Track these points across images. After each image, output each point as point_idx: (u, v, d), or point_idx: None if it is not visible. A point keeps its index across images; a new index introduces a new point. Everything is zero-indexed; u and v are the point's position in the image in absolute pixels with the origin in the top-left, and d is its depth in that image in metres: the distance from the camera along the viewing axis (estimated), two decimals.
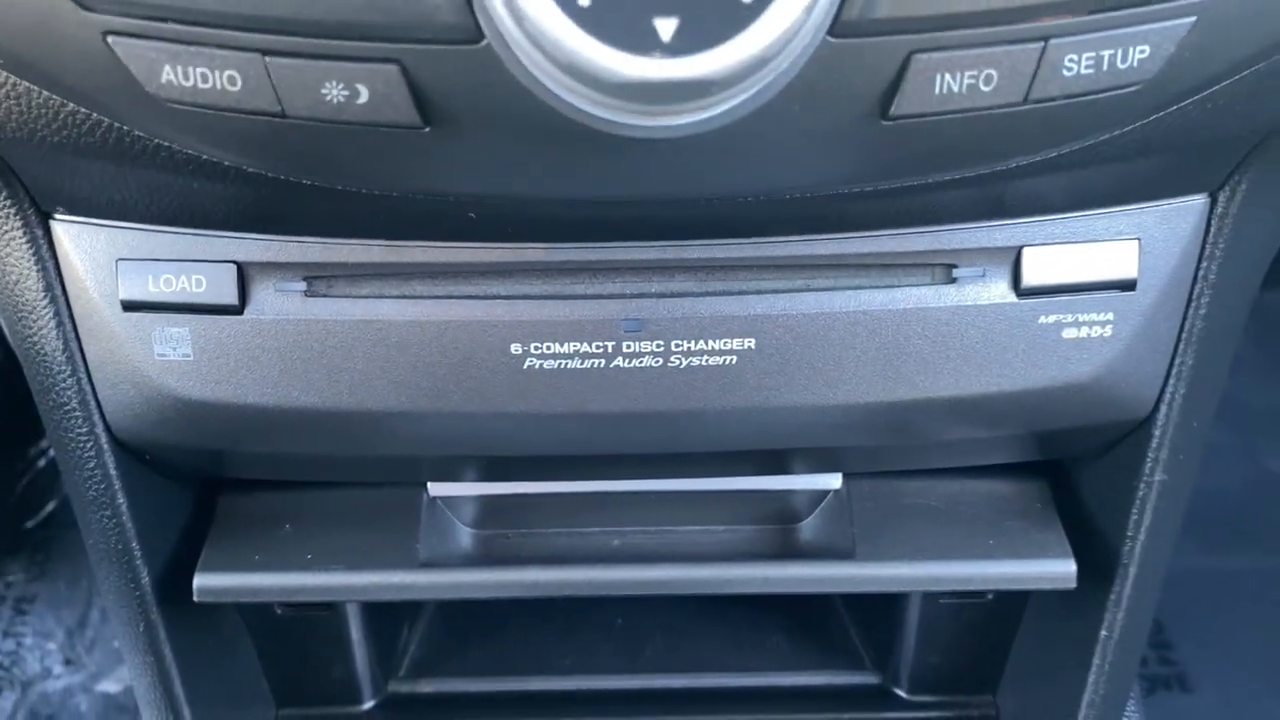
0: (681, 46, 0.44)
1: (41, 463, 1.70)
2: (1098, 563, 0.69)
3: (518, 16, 0.44)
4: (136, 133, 0.54)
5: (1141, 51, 0.49)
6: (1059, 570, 0.68)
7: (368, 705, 0.84)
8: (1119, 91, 0.51)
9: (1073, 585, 0.68)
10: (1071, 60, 0.49)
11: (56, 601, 1.57)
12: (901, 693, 0.84)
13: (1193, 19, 0.49)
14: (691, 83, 0.44)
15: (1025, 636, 0.78)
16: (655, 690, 0.87)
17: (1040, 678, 0.77)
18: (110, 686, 1.48)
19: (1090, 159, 0.56)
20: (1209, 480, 1.75)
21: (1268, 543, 1.68)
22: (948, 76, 0.48)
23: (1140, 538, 0.67)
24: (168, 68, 0.48)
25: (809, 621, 0.89)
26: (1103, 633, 0.69)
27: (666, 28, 0.43)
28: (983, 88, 0.49)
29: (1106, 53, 0.48)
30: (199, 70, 0.48)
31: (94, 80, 0.51)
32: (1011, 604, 0.76)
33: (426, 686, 0.86)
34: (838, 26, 0.46)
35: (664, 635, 0.89)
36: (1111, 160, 0.57)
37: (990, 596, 0.75)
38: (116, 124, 0.53)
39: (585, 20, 0.43)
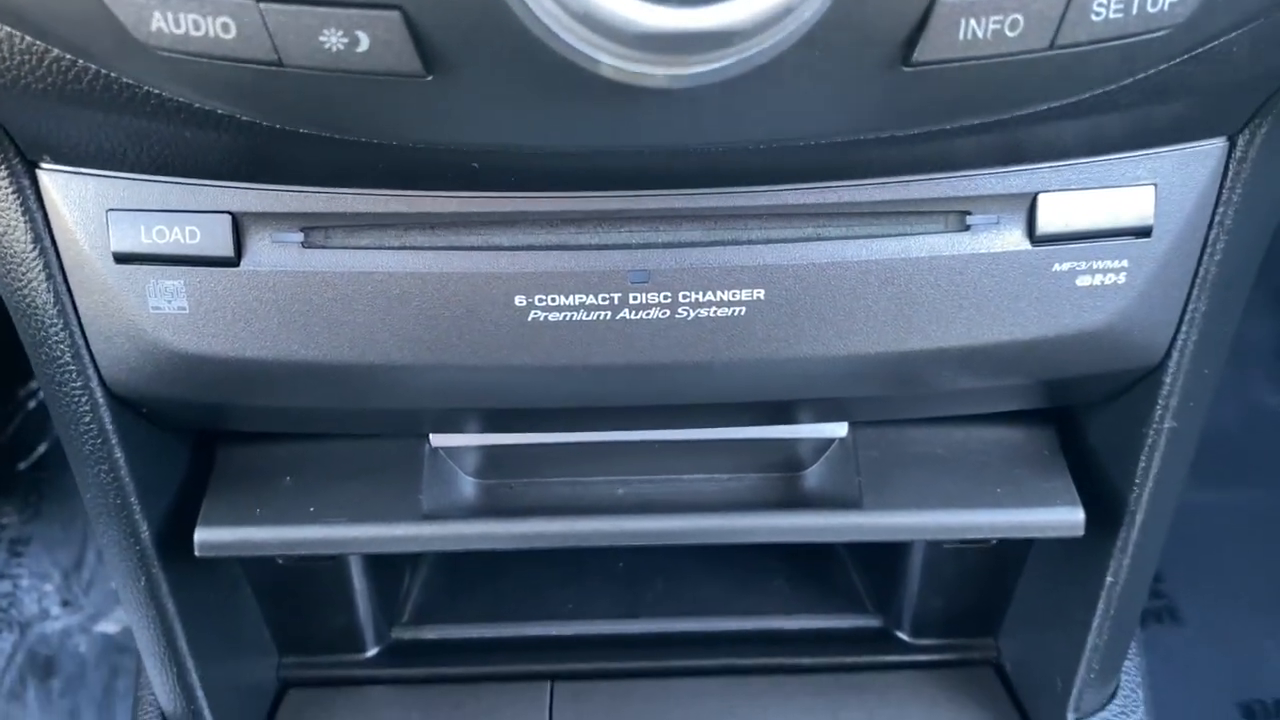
0: None
1: (32, 404, 1.69)
2: (1104, 510, 0.69)
3: None
4: (125, 80, 0.51)
5: None
6: (1066, 518, 0.68)
7: (371, 652, 0.84)
8: (1148, 36, 0.49)
9: (1080, 533, 0.68)
10: (1100, 4, 0.47)
11: (52, 543, 1.56)
12: (903, 635, 0.85)
13: None
14: (713, 33, 0.42)
15: (1028, 581, 0.78)
16: (657, 635, 0.87)
17: (1043, 622, 0.77)
18: (109, 627, 1.48)
19: (1112, 104, 0.55)
20: (1214, 414, 1.76)
21: (1258, 476, 1.70)
22: (972, 21, 0.46)
23: (1148, 484, 0.67)
24: (158, 14, 0.46)
25: (811, 565, 0.89)
26: (1108, 579, 0.69)
27: None
28: (1008, 33, 0.47)
29: None
30: (190, 17, 0.46)
31: (81, 27, 0.48)
32: (1015, 549, 0.76)
33: (430, 633, 0.86)
34: None
35: (666, 580, 0.89)
36: (1132, 105, 0.56)
37: (994, 541, 0.75)
38: (105, 71, 0.51)
39: None
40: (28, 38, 0.50)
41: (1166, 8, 0.48)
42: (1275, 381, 1.80)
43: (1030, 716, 0.77)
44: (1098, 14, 0.47)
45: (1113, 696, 0.73)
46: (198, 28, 0.46)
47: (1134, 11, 0.47)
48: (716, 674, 0.83)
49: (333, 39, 0.46)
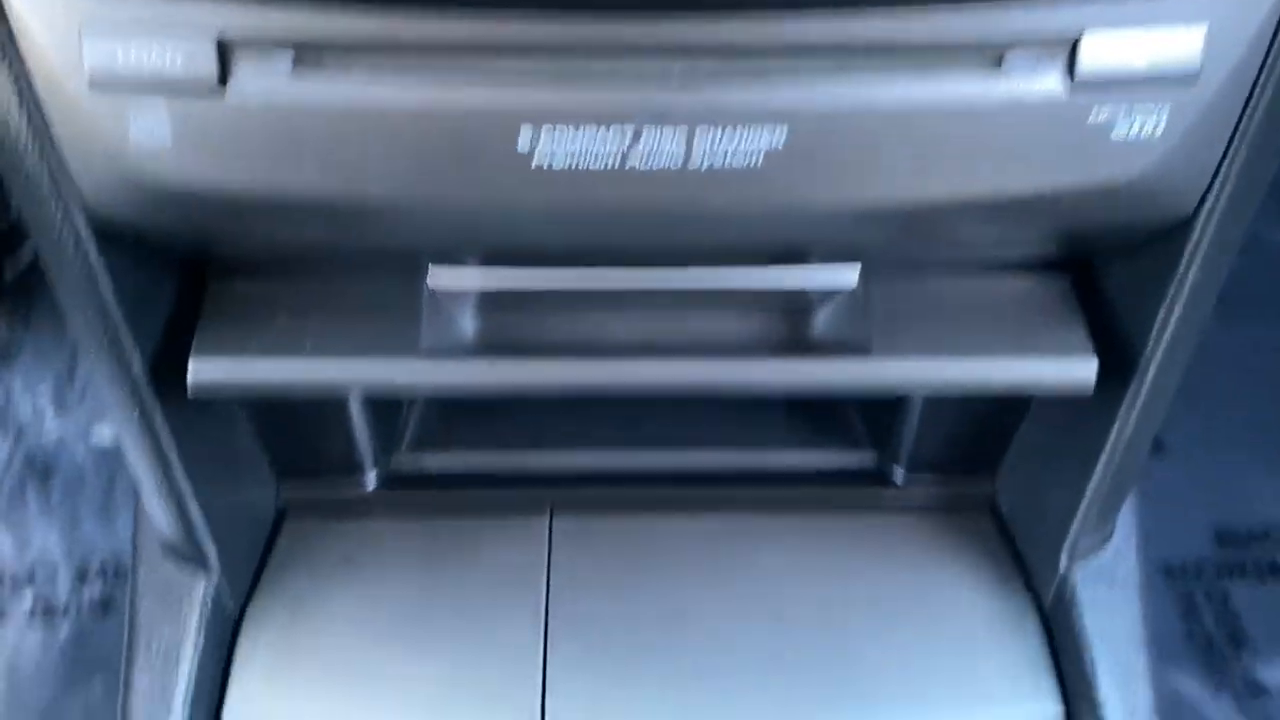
0: None
1: (14, 215, 1.65)
2: (1118, 361, 0.68)
3: None
4: None
5: None
6: (1080, 371, 0.67)
7: (370, 482, 0.84)
8: None
9: (1092, 385, 0.67)
10: None
11: (43, 351, 1.56)
12: (899, 473, 0.85)
13: None
14: None
15: (1031, 424, 0.78)
16: (654, 468, 0.88)
17: (1043, 467, 0.77)
18: (103, 436, 1.50)
19: None
20: None
21: (1249, 311, 1.70)
22: None
23: (1165, 338, 0.66)
24: None
25: (810, 402, 0.89)
26: (1114, 429, 0.69)
27: None
28: None
29: None
30: None
31: None
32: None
33: (429, 462, 0.87)
34: None
35: (666, 413, 0.89)
36: None
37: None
38: None
39: None
40: None
41: None
42: (1271, 215, 1.78)
43: (1024, 558, 0.78)
44: None
45: (1106, 542, 0.74)
46: None
47: None
48: (712, 507, 0.84)
49: None
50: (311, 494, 0.82)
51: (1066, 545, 0.71)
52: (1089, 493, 0.69)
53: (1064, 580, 0.71)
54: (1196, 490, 1.53)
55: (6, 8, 0.54)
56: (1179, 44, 0.55)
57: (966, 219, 0.58)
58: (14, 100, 0.56)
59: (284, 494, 0.84)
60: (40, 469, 1.46)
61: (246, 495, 0.79)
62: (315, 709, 0.69)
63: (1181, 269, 0.63)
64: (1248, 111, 0.58)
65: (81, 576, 1.37)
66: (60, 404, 1.52)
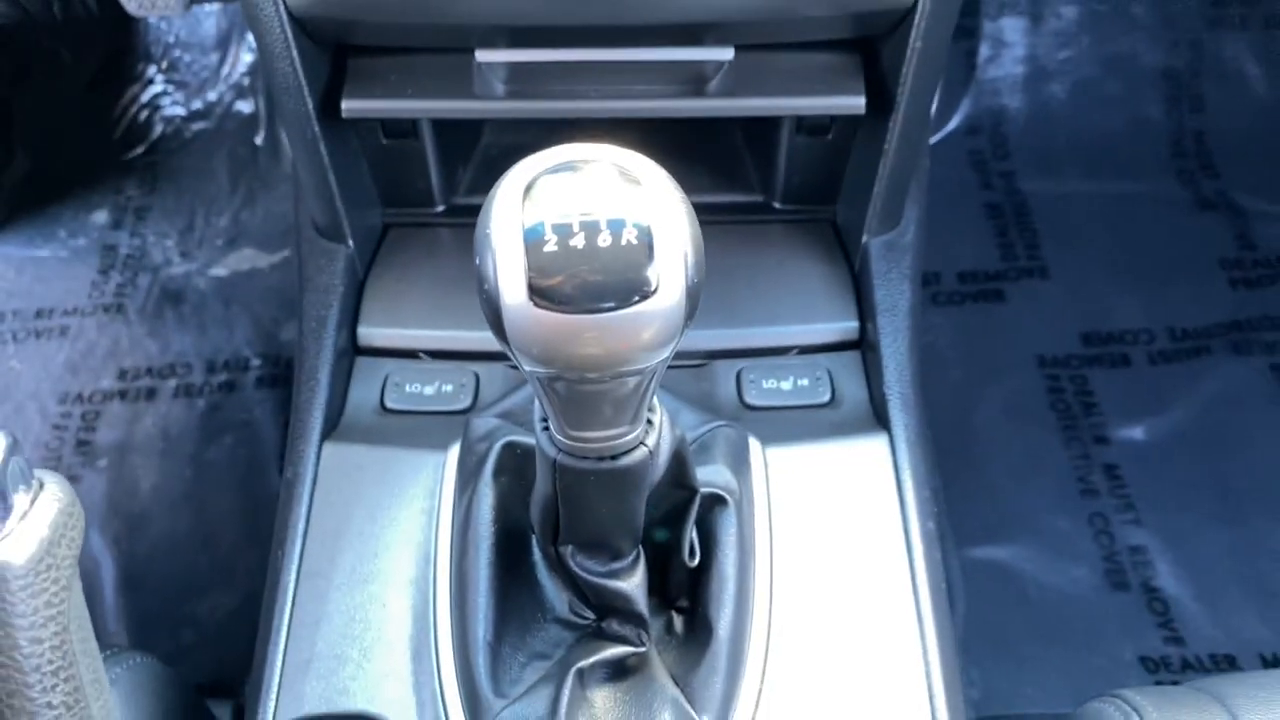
0: None
1: (133, 109, 2.06)
2: (882, 102, 1.02)
3: None
4: None
5: None
6: (854, 100, 1.02)
7: (439, 208, 1.20)
8: None
9: (862, 107, 1.02)
10: None
11: (167, 210, 1.96)
12: (776, 204, 1.21)
13: None
14: None
15: (851, 165, 1.13)
16: None
17: (854, 188, 1.12)
18: (220, 271, 1.90)
19: None
20: (1097, 122, 2.12)
21: (1121, 171, 2.04)
22: None
23: (909, 80, 0.98)
24: None
25: (718, 157, 1.23)
26: (885, 149, 1.02)
27: None
28: None
29: None
30: None
31: None
32: (846, 139, 1.12)
33: (477, 199, 1.22)
34: None
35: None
36: None
37: (831, 136, 1.14)
38: None
39: None
40: None
41: None
42: (1158, 93, 2.12)
43: (845, 244, 1.17)
44: None
45: (895, 227, 1.12)
46: None
47: None
48: None
49: None
50: (402, 216, 1.20)
51: (866, 227, 1.08)
52: (876, 190, 1.05)
53: (865, 248, 1.09)
54: (1069, 305, 1.86)
55: None
56: None
57: (771, 2, 0.94)
58: None
59: (386, 214, 1.19)
60: (173, 295, 1.87)
61: (363, 211, 1.15)
62: (415, 326, 1.10)
63: (911, 40, 0.96)
64: None
65: (210, 369, 1.78)
66: (183, 250, 1.92)
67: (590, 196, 0.58)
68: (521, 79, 1.02)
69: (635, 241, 0.57)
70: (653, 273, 0.57)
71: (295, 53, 0.95)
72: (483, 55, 1.00)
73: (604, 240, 0.57)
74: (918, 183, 1.12)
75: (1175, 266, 1.88)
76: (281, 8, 0.94)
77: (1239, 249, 1.92)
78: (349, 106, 1.02)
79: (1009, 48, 2.14)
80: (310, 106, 0.99)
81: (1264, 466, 1.67)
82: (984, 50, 2.12)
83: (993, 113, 2.10)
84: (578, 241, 0.57)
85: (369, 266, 1.14)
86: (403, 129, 1.13)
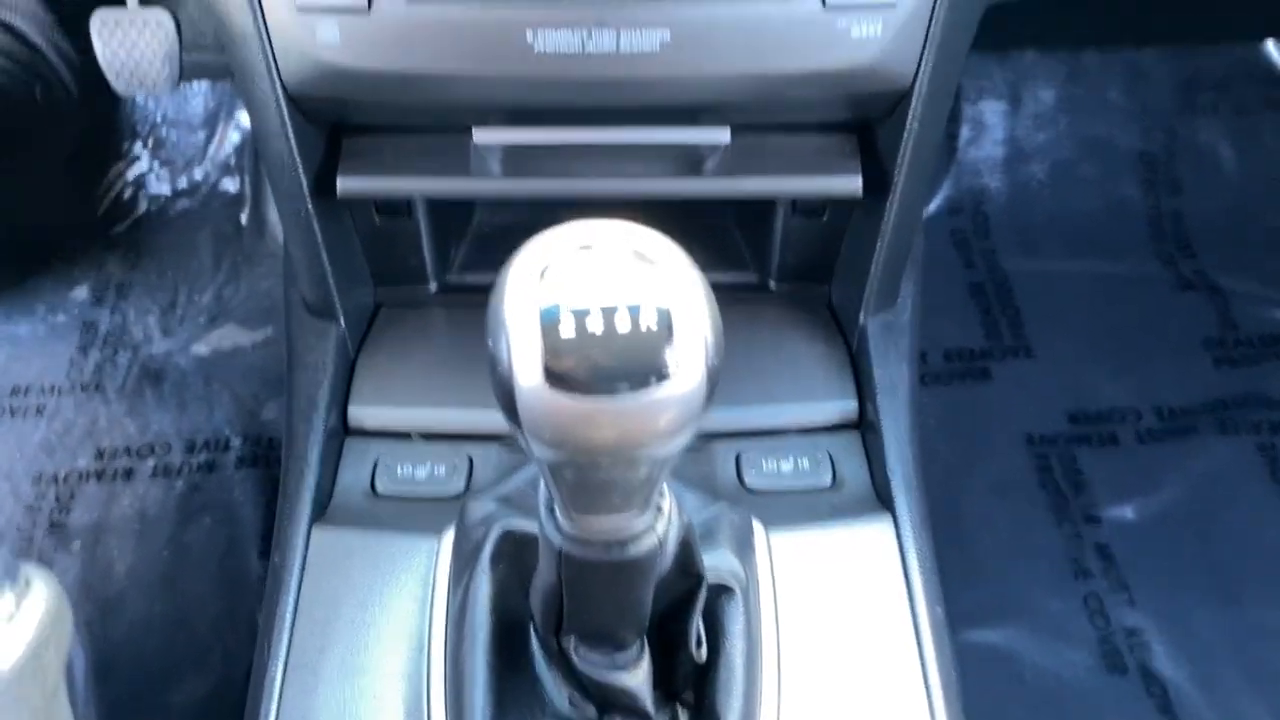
0: None
1: (118, 185, 2.05)
2: (879, 184, 1.02)
3: None
4: None
5: None
6: (851, 183, 1.02)
7: (432, 287, 1.21)
8: None
9: (859, 191, 1.02)
10: None
11: (150, 287, 1.94)
12: (771, 283, 1.21)
13: None
14: None
15: (847, 246, 1.13)
16: None
17: (851, 267, 1.13)
18: (201, 349, 1.87)
19: None
20: (1077, 202, 2.14)
21: (1100, 251, 2.06)
22: None
23: (905, 165, 0.99)
24: None
25: (711, 237, 1.24)
26: (882, 231, 1.03)
27: None
28: None
29: None
30: None
31: None
32: (840, 220, 1.12)
33: (470, 278, 1.21)
34: None
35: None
36: None
37: (826, 217, 1.14)
38: None
39: None
40: None
41: None
42: (1135, 176, 2.16)
43: (842, 323, 1.17)
44: None
45: (892, 306, 1.12)
46: None
47: None
48: None
49: None
50: (395, 294, 1.21)
51: (864, 306, 1.07)
52: (873, 270, 1.05)
53: (863, 329, 1.08)
54: (1056, 385, 1.87)
55: None
56: None
57: (777, 86, 0.94)
58: (249, 19, 0.95)
59: (378, 292, 1.19)
60: (153, 374, 1.84)
61: (356, 285, 1.15)
62: (408, 405, 1.08)
63: (909, 123, 0.97)
64: (933, 19, 0.92)
65: (189, 448, 1.75)
66: (165, 328, 1.90)
67: (608, 278, 0.57)
68: (518, 159, 1.02)
69: (654, 326, 0.56)
70: (671, 357, 0.56)
71: (290, 131, 0.95)
72: (480, 136, 1.00)
73: (622, 323, 0.55)
74: (913, 262, 1.12)
75: (1159, 346, 1.89)
76: (278, 87, 0.93)
77: (1221, 328, 1.94)
78: (345, 186, 1.01)
79: (989, 130, 2.17)
80: (304, 185, 0.99)
81: (1256, 547, 1.66)
82: (965, 132, 2.15)
83: (974, 193, 2.13)
84: (595, 325, 0.55)
85: (360, 345, 1.13)
86: (397, 207, 1.12)
